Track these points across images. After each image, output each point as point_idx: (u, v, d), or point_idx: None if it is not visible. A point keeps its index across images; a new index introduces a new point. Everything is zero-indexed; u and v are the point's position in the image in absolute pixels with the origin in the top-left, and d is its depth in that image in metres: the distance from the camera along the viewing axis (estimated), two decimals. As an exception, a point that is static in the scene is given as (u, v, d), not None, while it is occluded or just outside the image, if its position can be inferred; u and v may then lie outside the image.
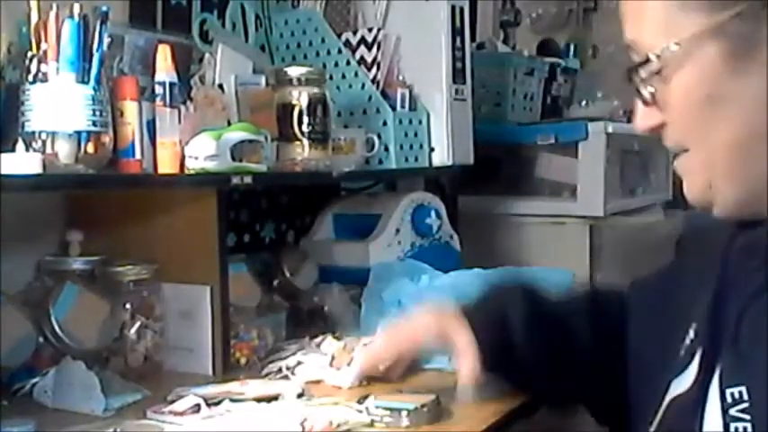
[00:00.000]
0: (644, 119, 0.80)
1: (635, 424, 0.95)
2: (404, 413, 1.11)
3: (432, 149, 1.86)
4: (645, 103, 0.79)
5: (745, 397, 0.75)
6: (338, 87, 1.79)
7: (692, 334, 0.85)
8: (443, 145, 1.86)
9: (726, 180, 0.77)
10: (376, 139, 1.75)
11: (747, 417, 0.74)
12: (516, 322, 1.07)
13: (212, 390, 1.25)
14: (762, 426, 0.73)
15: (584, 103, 2.48)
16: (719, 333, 0.80)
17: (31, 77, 1.18)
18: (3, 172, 1.10)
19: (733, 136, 0.74)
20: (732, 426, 0.75)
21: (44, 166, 1.13)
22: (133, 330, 1.38)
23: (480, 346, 1.07)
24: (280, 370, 1.38)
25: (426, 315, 1.14)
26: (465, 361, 1.07)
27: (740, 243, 0.82)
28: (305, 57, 1.83)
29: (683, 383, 0.83)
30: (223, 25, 1.76)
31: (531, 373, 1.09)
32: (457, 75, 1.86)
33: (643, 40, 0.76)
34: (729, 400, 0.76)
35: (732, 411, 0.75)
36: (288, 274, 1.70)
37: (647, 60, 0.75)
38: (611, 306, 1.09)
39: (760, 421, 0.73)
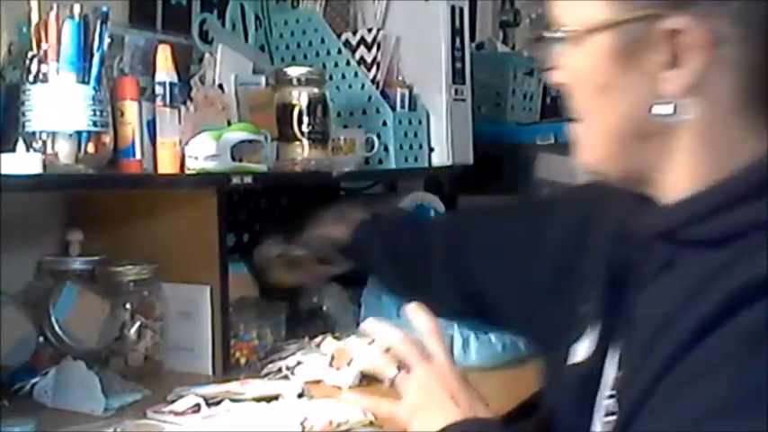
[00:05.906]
0: (554, 75, 0.83)
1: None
2: None
3: (431, 149, 1.86)
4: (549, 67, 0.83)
5: None
6: (338, 87, 1.78)
7: (586, 308, 0.87)
8: (443, 145, 1.86)
9: (607, 162, 0.81)
10: (376, 139, 1.75)
11: None
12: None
13: (212, 390, 1.25)
14: None
15: (583, 103, 2.48)
16: (616, 313, 0.82)
17: (31, 77, 1.18)
18: (3, 172, 1.10)
19: (614, 125, 0.78)
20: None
21: (44, 166, 1.13)
22: (133, 330, 1.38)
23: None
24: (280, 370, 1.38)
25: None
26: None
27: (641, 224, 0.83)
28: (305, 57, 1.82)
29: (579, 353, 0.86)
30: (223, 25, 1.76)
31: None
32: (456, 75, 1.86)
33: (555, 14, 0.80)
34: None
35: None
36: (288, 274, 1.70)
37: (548, 35, 0.80)
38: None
39: None
